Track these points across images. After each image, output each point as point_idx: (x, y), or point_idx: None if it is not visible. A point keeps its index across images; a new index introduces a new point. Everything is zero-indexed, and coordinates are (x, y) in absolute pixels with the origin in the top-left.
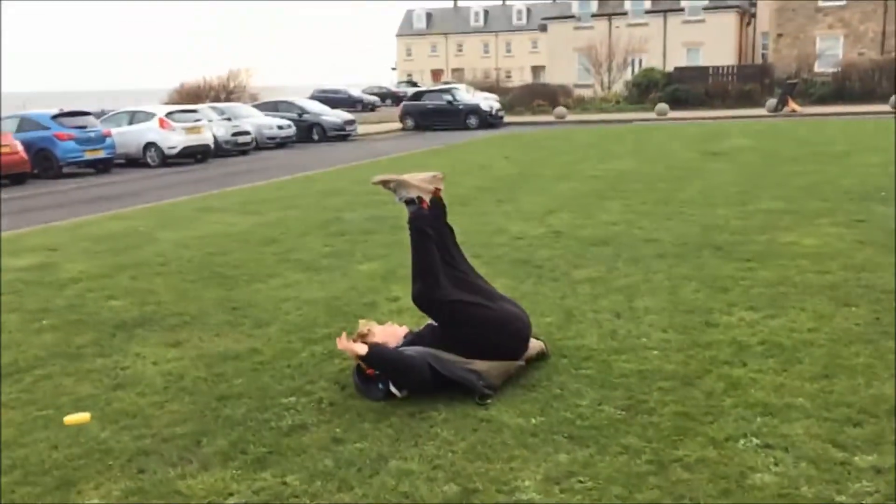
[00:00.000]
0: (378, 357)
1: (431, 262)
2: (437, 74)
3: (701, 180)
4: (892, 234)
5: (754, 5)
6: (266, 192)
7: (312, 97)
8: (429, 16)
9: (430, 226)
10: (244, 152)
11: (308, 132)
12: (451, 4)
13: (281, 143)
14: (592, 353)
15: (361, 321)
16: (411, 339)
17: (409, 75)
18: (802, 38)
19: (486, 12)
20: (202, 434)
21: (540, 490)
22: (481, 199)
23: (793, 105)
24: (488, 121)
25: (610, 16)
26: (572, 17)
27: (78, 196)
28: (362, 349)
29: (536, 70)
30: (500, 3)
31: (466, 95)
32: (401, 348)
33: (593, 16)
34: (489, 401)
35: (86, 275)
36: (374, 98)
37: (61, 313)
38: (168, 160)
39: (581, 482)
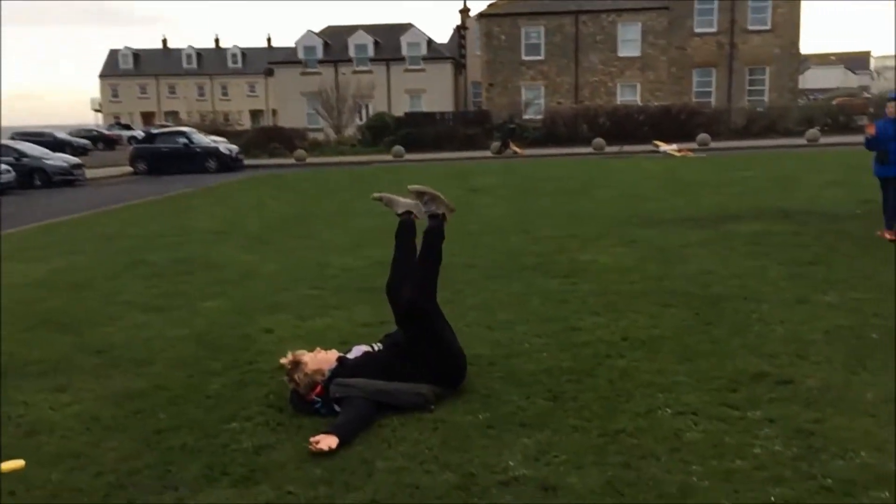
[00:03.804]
0: (346, 437)
1: (435, 276)
2: (148, 117)
3: (476, 213)
4: (662, 251)
5: (464, 57)
6: (32, 240)
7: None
8: (136, 56)
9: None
10: None
11: (29, 177)
12: (159, 46)
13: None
14: (492, 359)
15: (291, 353)
16: (350, 368)
17: (117, 118)
18: (510, 87)
19: (200, 55)
20: (166, 464)
21: (527, 467)
22: (279, 237)
23: (514, 147)
24: (228, 164)
25: (336, 62)
26: (299, 62)
27: None
28: (334, 443)
29: (255, 114)
30: (213, 46)
31: (204, 139)
32: (341, 383)
33: (319, 62)
34: (432, 407)
35: None
36: (84, 141)
37: None
38: None
39: (556, 457)
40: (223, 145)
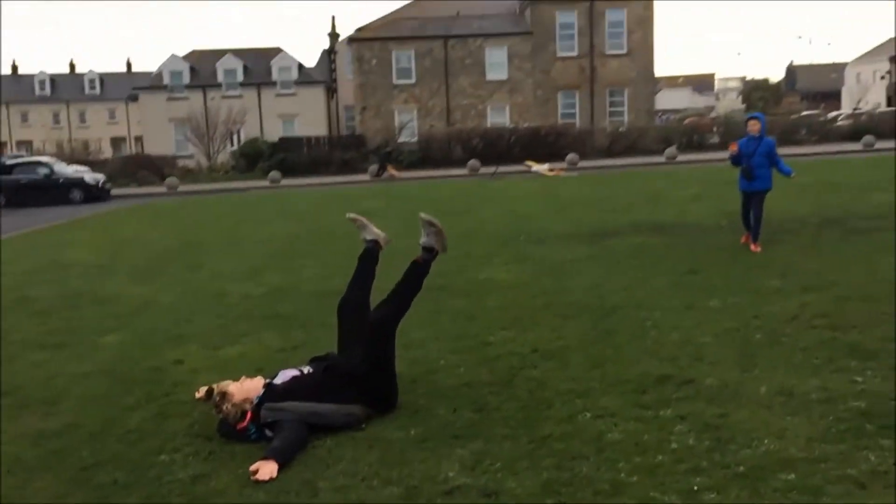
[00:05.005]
0: (285, 460)
1: (409, 304)
2: None
3: None
4: (553, 267)
5: (335, 81)
6: None
7: None
8: None
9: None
10: None
11: None
12: (8, 72)
13: None
14: (413, 376)
15: (216, 385)
16: (280, 393)
17: None
18: (383, 111)
19: (53, 80)
20: (101, 500)
21: (466, 475)
22: (170, 267)
23: (391, 170)
24: (94, 194)
25: (204, 87)
26: (164, 87)
27: None
28: (275, 469)
29: (117, 142)
30: (69, 71)
31: (67, 168)
32: (272, 407)
33: (186, 87)
34: (363, 426)
35: None
36: None
37: None
38: None
39: (492, 464)
40: (88, 175)
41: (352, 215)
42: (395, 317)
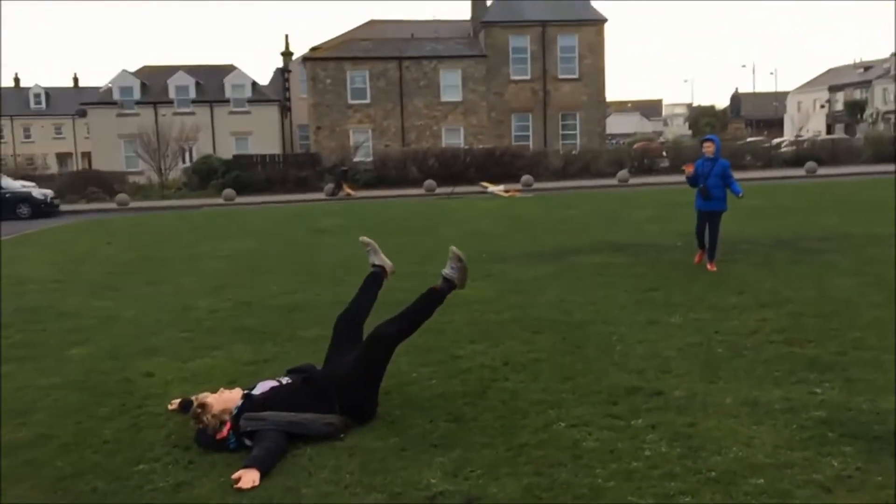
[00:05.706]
0: (266, 469)
1: (416, 327)
2: None
3: (332, 253)
4: (518, 283)
5: (289, 100)
6: None
7: None
8: None
9: None
10: None
11: None
12: None
13: None
14: (387, 388)
15: (195, 396)
16: (259, 403)
17: None
18: (338, 131)
19: None
20: None
21: (448, 482)
22: (130, 283)
23: (347, 189)
24: (43, 210)
25: (155, 104)
26: (114, 103)
27: None
28: (257, 477)
29: (63, 157)
30: (13, 85)
31: (14, 183)
32: (252, 417)
33: (137, 103)
34: (342, 435)
35: None
36: None
37: None
38: None
39: (472, 471)
40: (36, 190)
41: (364, 239)
42: (399, 335)
